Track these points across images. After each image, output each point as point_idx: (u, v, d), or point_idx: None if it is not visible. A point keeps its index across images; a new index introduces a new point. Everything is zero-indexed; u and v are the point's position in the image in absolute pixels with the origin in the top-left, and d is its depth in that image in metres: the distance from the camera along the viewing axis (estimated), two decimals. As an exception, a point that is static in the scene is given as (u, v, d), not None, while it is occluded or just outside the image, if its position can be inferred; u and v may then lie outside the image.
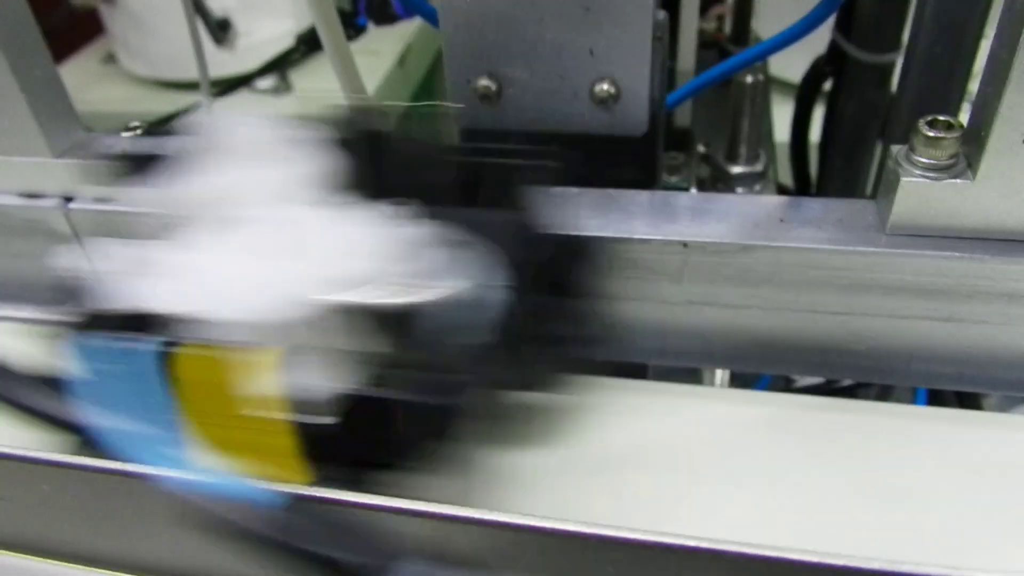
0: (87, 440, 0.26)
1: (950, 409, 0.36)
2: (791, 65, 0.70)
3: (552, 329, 0.30)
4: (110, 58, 0.97)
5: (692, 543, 0.21)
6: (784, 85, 0.75)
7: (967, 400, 0.42)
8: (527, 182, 0.33)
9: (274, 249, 0.27)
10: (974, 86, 0.38)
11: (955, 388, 0.37)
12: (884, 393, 0.44)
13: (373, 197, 0.31)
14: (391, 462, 0.27)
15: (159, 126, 0.40)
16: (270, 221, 0.29)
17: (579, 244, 0.34)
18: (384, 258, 0.27)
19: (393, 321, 0.26)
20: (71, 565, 0.29)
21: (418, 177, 0.34)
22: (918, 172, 0.32)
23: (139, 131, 0.39)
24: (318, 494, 0.24)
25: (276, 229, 0.27)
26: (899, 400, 0.44)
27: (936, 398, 0.43)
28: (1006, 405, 0.41)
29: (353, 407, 0.25)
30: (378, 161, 0.34)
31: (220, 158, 0.30)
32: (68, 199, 0.41)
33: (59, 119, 0.40)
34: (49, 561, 0.29)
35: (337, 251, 0.27)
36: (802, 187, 0.68)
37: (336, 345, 0.27)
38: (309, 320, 0.27)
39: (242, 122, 0.30)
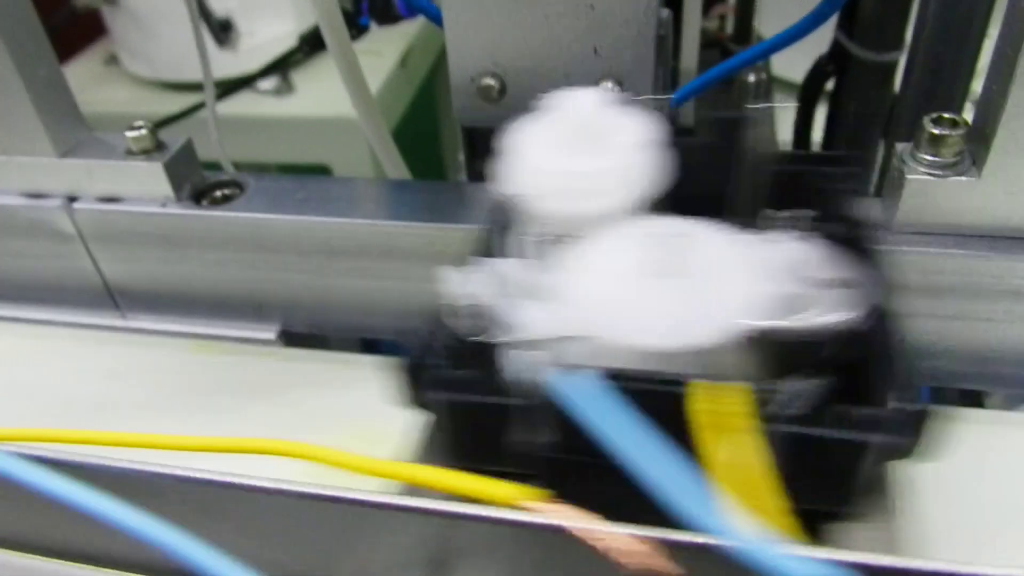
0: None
1: (955, 407, 0.36)
2: (794, 65, 0.69)
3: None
4: (112, 59, 0.97)
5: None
6: (787, 85, 0.75)
7: (969, 398, 0.42)
8: (847, 191, 0.31)
9: (667, 268, 0.24)
10: (977, 85, 0.38)
11: (960, 386, 0.37)
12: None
13: (719, 207, 0.29)
14: (837, 508, 0.25)
15: (161, 127, 0.40)
16: (648, 235, 0.26)
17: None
18: (789, 279, 0.25)
19: (811, 348, 0.24)
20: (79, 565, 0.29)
21: (761, 187, 0.32)
22: (923, 170, 0.32)
23: (143, 130, 0.39)
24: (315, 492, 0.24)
25: (658, 244, 0.24)
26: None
27: (938, 396, 0.43)
28: (1009, 404, 0.41)
29: (785, 448, 0.22)
30: (698, 165, 0.32)
31: (572, 143, 0.27)
32: (72, 199, 0.41)
33: (63, 118, 0.40)
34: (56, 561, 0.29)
35: (739, 271, 0.25)
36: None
37: (757, 375, 0.25)
38: (730, 348, 0.25)
39: (591, 100, 0.27)
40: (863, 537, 0.24)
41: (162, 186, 0.40)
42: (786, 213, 0.26)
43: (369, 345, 0.46)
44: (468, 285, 0.26)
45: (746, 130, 0.31)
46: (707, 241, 0.26)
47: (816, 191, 0.32)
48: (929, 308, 0.34)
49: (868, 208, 0.34)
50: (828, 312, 0.25)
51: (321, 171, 0.89)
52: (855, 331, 0.26)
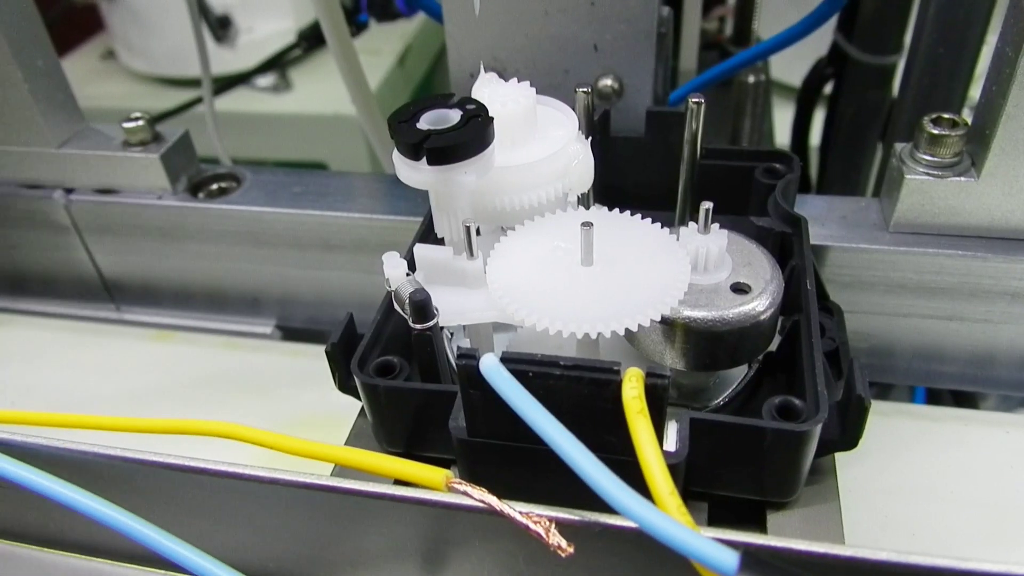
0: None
1: (948, 408, 0.35)
2: (792, 69, 0.70)
3: (830, 346, 0.28)
4: (109, 54, 0.97)
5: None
6: (785, 89, 0.76)
7: (964, 400, 0.42)
8: (772, 187, 0.32)
9: (581, 256, 0.25)
10: (975, 89, 0.38)
11: (957, 388, 0.37)
12: (883, 392, 0.44)
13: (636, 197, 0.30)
14: (761, 495, 0.25)
15: (159, 122, 0.40)
16: (566, 223, 0.27)
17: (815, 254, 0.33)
18: (699, 268, 0.26)
19: (719, 338, 0.25)
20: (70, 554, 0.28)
21: (666, 178, 0.33)
22: (922, 170, 0.32)
23: (140, 122, 0.39)
24: (312, 481, 0.24)
25: (576, 232, 0.25)
26: (897, 399, 0.44)
27: (933, 398, 0.43)
28: (1003, 405, 0.41)
29: (709, 436, 0.23)
30: (632, 158, 0.33)
31: (501, 133, 0.27)
32: (69, 190, 0.41)
33: (61, 109, 0.40)
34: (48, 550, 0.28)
35: (663, 262, 0.25)
36: (803, 188, 0.68)
37: (664, 363, 0.26)
38: (639, 336, 0.26)
39: (515, 96, 0.28)
40: (793, 524, 0.25)
41: (159, 178, 0.39)
42: (708, 204, 0.26)
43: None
44: (402, 270, 0.26)
45: (680, 123, 0.31)
46: (629, 231, 0.27)
47: (749, 185, 0.33)
48: (926, 308, 0.34)
49: (801, 204, 0.35)
50: (752, 303, 0.25)
51: (318, 168, 0.89)
52: (778, 323, 0.27)
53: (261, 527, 0.25)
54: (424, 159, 0.25)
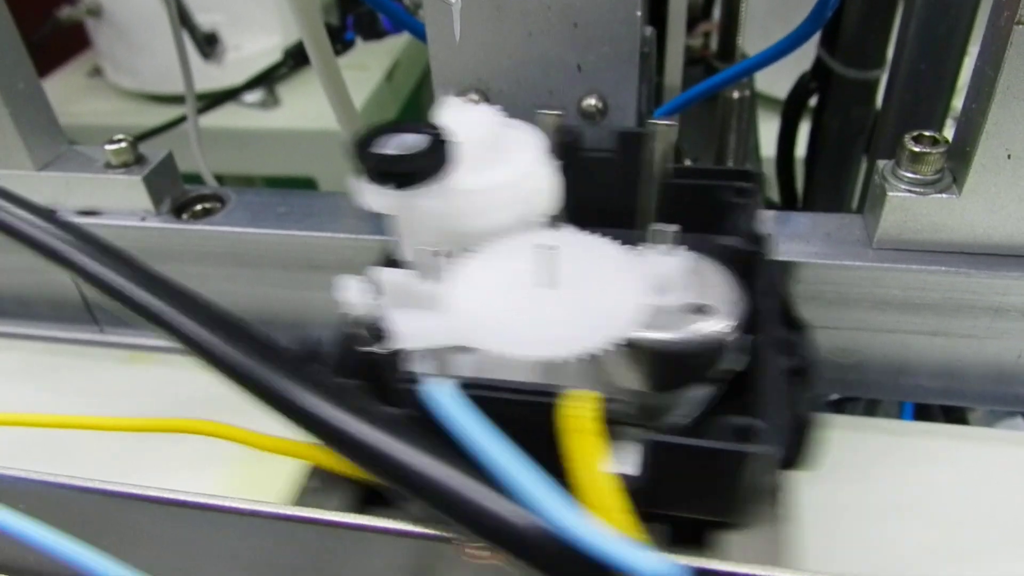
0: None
1: (937, 424, 0.36)
2: (777, 81, 0.70)
3: (799, 364, 0.28)
4: (96, 71, 0.97)
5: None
6: (770, 101, 0.76)
7: (953, 415, 0.42)
8: (738, 206, 0.32)
9: (541, 278, 0.25)
10: (958, 102, 0.38)
11: (943, 402, 0.37)
12: (871, 408, 0.44)
13: (602, 218, 0.29)
14: (718, 517, 0.25)
15: (145, 139, 0.40)
16: (530, 248, 0.26)
17: (790, 271, 0.33)
18: (674, 291, 0.26)
19: (693, 359, 0.25)
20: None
21: (658, 200, 0.32)
22: (904, 187, 0.32)
23: (123, 143, 0.39)
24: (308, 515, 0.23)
25: (537, 255, 0.25)
26: (886, 415, 0.44)
27: (922, 413, 0.43)
28: (991, 420, 0.41)
29: (666, 458, 0.23)
30: (601, 178, 0.32)
31: (463, 159, 0.27)
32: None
33: (42, 132, 0.40)
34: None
35: (623, 283, 0.25)
36: (788, 202, 0.69)
37: (625, 385, 0.26)
38: (600, 358, 0.25)
39: (478, 120, 0.28)
40: (745, 545, 0.24)
41: (142, 199, 0.39)
42: (674, 226, 0.26)
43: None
44: (360, 294, 0.26)
45: (647, 144, 0.31)
46: (592, 253, 0.27)
47: (715, 205, 0.33)
48: (911, 324, 0.34)
49: (765, 222, 0.34)
50: (713, 324, 0.25)
51: (306, 184, 0.89)
52: (739, 343, 0.27)
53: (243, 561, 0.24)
54: (385, 184, 0.25)
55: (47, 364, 0.41)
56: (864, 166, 0.61)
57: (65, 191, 0.40)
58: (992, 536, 0.29)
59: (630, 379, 0.26)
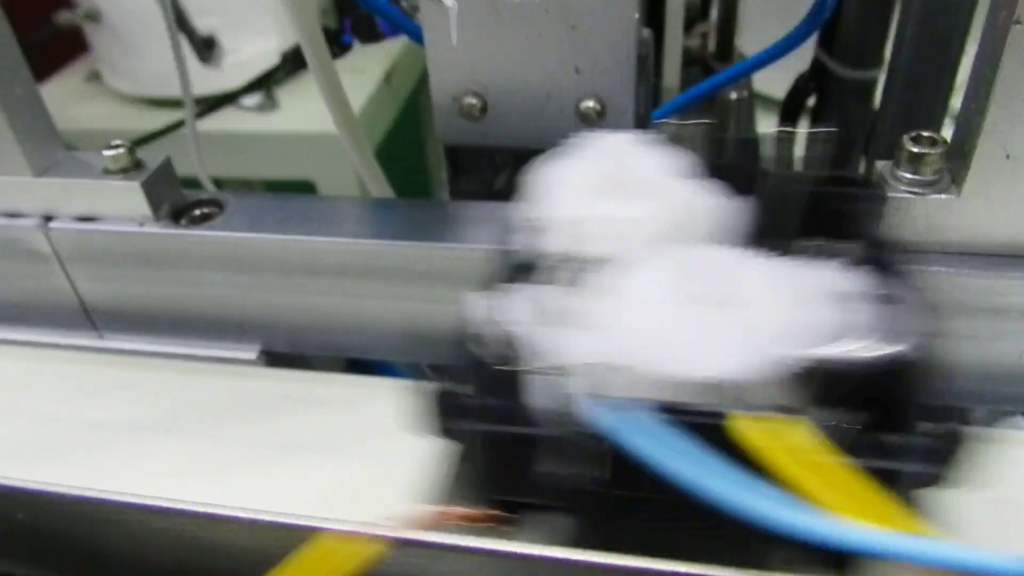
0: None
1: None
2: (775, 82, 0.70)
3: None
4: (94, 76, 0.97)
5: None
6: (768, 101, 0.76)
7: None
8: (871, 213, 0.30)
9: (705, 296, 0.24)
10: (956, 101, 0.38)
11: (943, 403, 0.37)
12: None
13: (767, 236, 0.27)
14: None
15: (143, 144, 0.40)
16: (687, 263, 0.25)
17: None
18: (830, 307, 0.24)
19: (855, 378, 0.23)
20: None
21: (796, 213, 0.30)
22: (903, 188, 0.32)
23: (121, 149, 0.39)
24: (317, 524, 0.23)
25: (696, 272, 0.23)
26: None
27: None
28: (991, 420, 0.41)
29: None
30: (763, 195, 0.30)
31: (610, 187, 0.27)
32: (48, 218, 0.40)
33: (39, 137, 0.40)
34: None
35: (780, 299, 0.24)
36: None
37: (797, 406, 0.24)
38: (771, 379, 0.24)
39: (628, 149, 0.27)
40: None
41: (140, 205, 0.39)
42: (819, 239, 0.25)
43: (352, 365, 0.45)
44: (498, 311, 0.25)
45: (764, 151, 0.30)
46: (745, 268, 0.25)
47: (838, 214, 0.32)
48: (911, 325, 0.34)
49: (889, 230, 0.33)
50: (873, 341, 0.24)
51: (305, 187, 0.89)
52: (900, 360, 0.25)
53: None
54: None
55: (46, 371, 0.41)
56: (862, 167, 0.61)
57: (63, 197, 0.40)
58: (989, 538, 0.29)
59: (794, 399, 0.24)
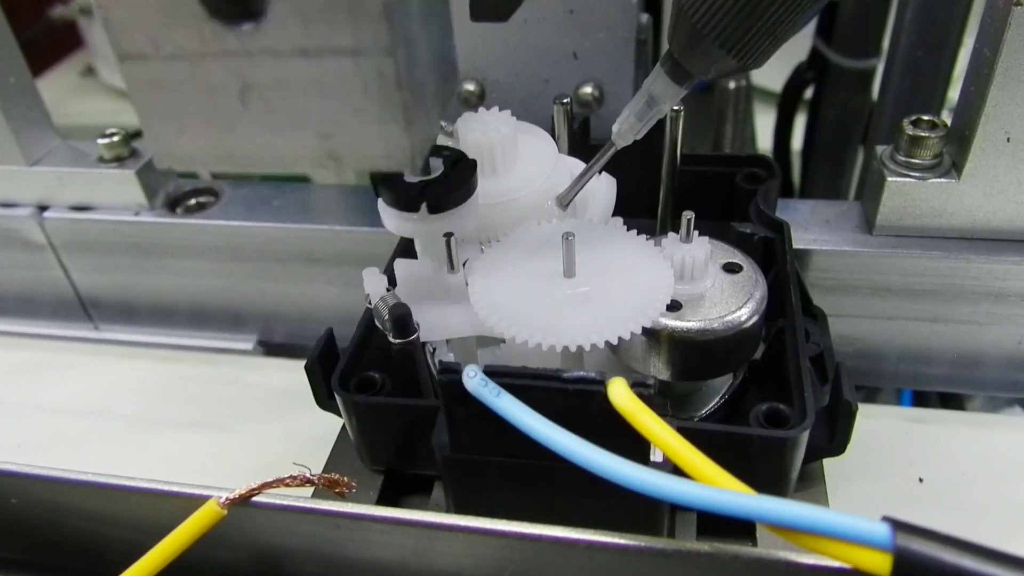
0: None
1: (935, 410, 0.35)
2: (772, 75, 0.70)
3: (816, 350, 0.28)
4: (89, 71, 0.96)
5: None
6: (766, 94, 0.76)
7: (950, 401, 0.42)
8: (755, 192, 0.32)
9: (562, 268, 0.25)
10: (954, 93, 0.38)
11: (943, 389, 0.37)
12: (869, 395, 0.44)
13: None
14: None
15: (139, 138, 0.40)
16: (547, 236, 0.27)
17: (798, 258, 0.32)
18: (682, 278, 0.26)
19: (708, 346, 0.25)
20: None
21: (675, 188, 0.32)
22: (903, 172, 0.32)
23: (115, 137, 0.39)
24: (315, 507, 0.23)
25: (563, 247, 0.25)
26: (885, 402, 0.44)
27: (920, 400, 0.43)
28: (989, 406, 0.41)
29: (696, 445, 0.22)
30: (617, 168, 0.31)
31: (484, 162, 0.28)
32: (43, 208, 0.40)
33: (34, 127, 0.40)
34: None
35: (634, 271, 0.25)
36: (785, 193, 0.68)
37: (650, 372, 0.26)
38: (625, 346, 0.26)
39: (497, 126, 0.28)
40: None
41: (135, 194, 0.39)
42: (690, 213, 0.26)
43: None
44: (382, 286, 0.26)
45: (660, 133, 0.31)
46: (614, 242, 0.26)
47: (731, 191, 0.33)
48: (910, 311, 0.34)
49: (784, 208, 0.34)
50: (737, 312, 0.25)
51: (301, 176, 0.88)
52: (762, 330, 0.27)
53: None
54: (417, 210, 0.25)
55: (42, 361, 0.41)
56: (861, 156, 0.61)
57: (57, 186, 0.39)
58: (991, 521, 0.29)
59: (654, 368, 0.26)
